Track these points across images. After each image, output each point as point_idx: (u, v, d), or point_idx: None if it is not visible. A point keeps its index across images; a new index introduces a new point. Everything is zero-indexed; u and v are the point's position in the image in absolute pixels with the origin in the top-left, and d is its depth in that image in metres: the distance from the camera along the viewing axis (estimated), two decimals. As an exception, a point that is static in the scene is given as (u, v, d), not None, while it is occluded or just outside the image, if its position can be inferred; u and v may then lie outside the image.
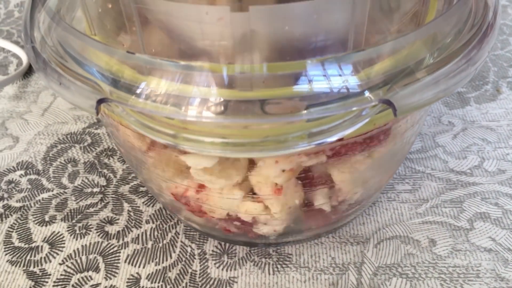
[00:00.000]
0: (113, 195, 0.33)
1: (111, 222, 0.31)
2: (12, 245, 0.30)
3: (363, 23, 0.20)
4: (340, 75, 0.20)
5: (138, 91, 0.20)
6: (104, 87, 0.21)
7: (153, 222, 0.31)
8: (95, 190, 0.33)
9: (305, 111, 0.18)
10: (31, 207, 0.32)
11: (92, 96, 0.20)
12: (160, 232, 0.30)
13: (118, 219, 0.31)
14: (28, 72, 0.44)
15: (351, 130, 0.19)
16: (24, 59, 0.45)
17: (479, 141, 0.34)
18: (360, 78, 0.20)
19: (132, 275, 0.28)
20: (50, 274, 0.29)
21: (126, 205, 0.32)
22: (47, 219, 0.32)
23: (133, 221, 0.31)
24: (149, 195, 0.33)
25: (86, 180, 0.34)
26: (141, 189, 0.33)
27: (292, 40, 0.20)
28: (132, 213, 0.32)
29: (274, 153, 0.20)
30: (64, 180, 0.34)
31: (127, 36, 0.22)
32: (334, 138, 0.19)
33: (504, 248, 0.28)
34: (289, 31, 0.20)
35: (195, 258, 0.29)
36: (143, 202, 0.32)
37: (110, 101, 0.20)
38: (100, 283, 0.28)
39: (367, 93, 0.19)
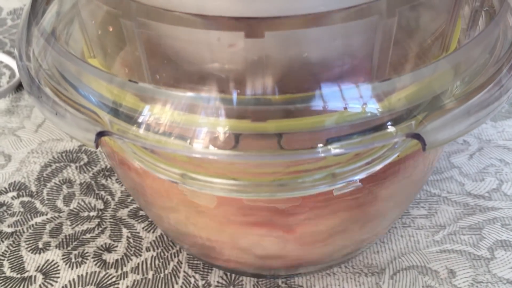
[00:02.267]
0: (111, 220, 0.31)
1: (109, 249, 0.29)
2: (3, 275, 0.28)
3: (388, 47, 0.19)
4: (362, 104, 0.18)
5: (139, 119, 0.18)
6: (103, 116, 0.19)
7: (153, 250, 0.29)
8: (91, 214, 0.31)
9: (335, 145, 0.17)
10: (23, 232, 0.30)
11: (91, 128, 0.18)
12: (161, 260, 0.29)
13: (117, 246, 0.29)
14: (21, 84, 0.41)
15: (380, 166, 0.18)
16: (17, 70, 0.43)
17: (496, 162, 0.33)
18: (384, 107, 0.18)
19: (132, 309, 0.26)
20: (44, 308, 0.27)
21: (125, 231, 0.30)
22: (40, 246, 0.30)
23: (133, 249, 0.29)
24: (149, 220, 0.31)
25: (82, 203, 0.32)
26: (141, 213, 0.31)
27: (310, 66, 0.19)
28: (131, 240, 0.30)
29: (291, 195, 0.19)
30: (59, 203, 0.32)
31: (129, 59, 0.20)
32: (361, 176, 0.18)
33: (527, 280, 0.27)
34: (307, 57, 0.18)
35: (199, 290, 0.27)
36: (143, 228, 0.30)
37: (110, 134, 0.18)
38: (97, 319, 0.26)
39: (395, 126, 0.18)
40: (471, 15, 0.23)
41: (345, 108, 0.18)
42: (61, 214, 0.31)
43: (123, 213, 0.31)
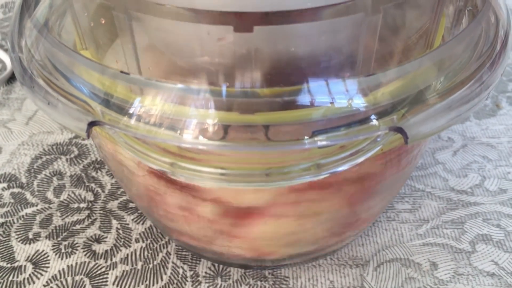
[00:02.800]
0: (101, 211, 0.31)
1: (98, 240, 0.30)
2: (-7, 265, 0.28)
3: (373, 43, 0.19)
4: (348, 99, 0.19)
5: (130, 110, 0.19)
6: (94, 106, 0.19)
7: (143, 241, 0.30)
8: (81, 205, 0.32)
9: (321, 137, 0.17)
10: (14, 223, 0.31)
11: (83, 117, 0.19)
12: (150, 252, 0.29)
13: (106, 237, 0.30)
14: (12, 77, 0.42)
15: (363, 159, 0.18)
16: (8, 63, 0.43)
17: (479, 159, 0.34)
18: (369, 101, 0.19)
19: (120, 298, 0.27)
20: (33, 297, 0.27)
21: (114, 222, 0.31)
22: (31, 236, 0.30)
23: (122, 240, 0.30)
24: (139, 212, 0.31)
25: (73, 195, 0.32)
26: (131, 205, 0.32)
27: (298, 60, 0.19)
28: (121, 231, 0.30)
29: (277, 184, 0.19)
30: (49, 195, 0.32)
31: (120, 51, 0.21)
32: (345, 167, 0.18)
33: (507, 273, 0.27)
34: (295, 51, 0.19)
35: (187, 281, 0.28)
36: (132, 219, 0.31)
37: (102, 123, 0.18)
38: (86, 307, 0.27)
39: (379, 120, 0.18)
40: (455, 14, 0.23)
41: (331, 102, 0.18)
42: (51, 206, 0.32)
43: (113, 205, 0.32)
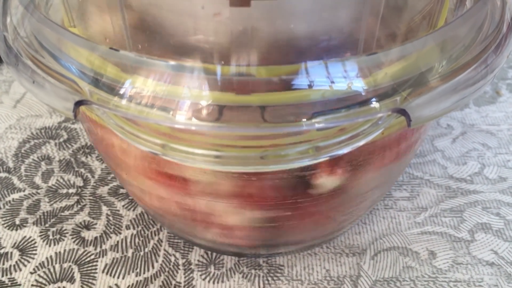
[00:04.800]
0: (91, 197, 0.30)
1: (87, 227, 0.29)
2: (-22, 251, 0.28)
3: (375, 22, 0.18)
4: (348, 80, 0.18)
5: (121, 91, 0.18)
6: (83, 86, 0.18)
7: (134, 228, 0.29)
8: (70, 191, 0.31)
9: (319, 119, 0.16)
10: (0, 208, 0.30)
11: (70, 97, 0.18)
12: (141, 239, 0.28)
13: (96, 223, 0.29)
14: None
15: (363, 142, 0.17)
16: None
17: (479, 146, 0.33)
18: (369, 83, 0.18)
19: (110, 286, 0.26)
20: (20, 284, 0.26)
21: (104, 208, 0.30)
22: (17, 222, 0.29)
23: (112, 226, 0.29)
24: (130, 198, 0.30)
25: (61, 180, 0.31)
26: (121, 191, 0.31)
27: (297, 39, 0.18)
28: (111, 217, 0.29)
29: (274, 168, 0.18)
30: (37, 180, 0.31)
31: (110, 28, 0.20)
32: (345, 151, 0.17)
33: (506, 262, 0.27)
34: (294, 29, 0.18)
35: (179, 269, 0.27)
36: (123, 206, 0.30)
37: (89, 103, 0.18)
38: (75, 296, 0.26)
39: (380, 102, 0.17)
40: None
41: (331, 83, 0.18)
42: (39, 191, 0.31)
43: (103, 190, 0.31)
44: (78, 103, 0.18)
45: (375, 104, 0.18)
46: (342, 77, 0.18)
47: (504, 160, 0.32)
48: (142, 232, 0.29)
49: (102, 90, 0.18)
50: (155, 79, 0.18)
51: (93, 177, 0.32)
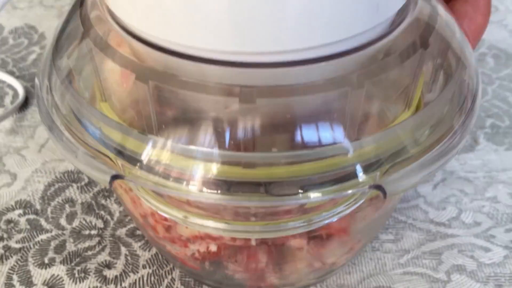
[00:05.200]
0: (111, 238, 0.34)
1: (109, 266, 0.32)
2: (12, 288, 0.31)
3: (358, 108, 0.22)
4: (339, 156, 0.22)
5: (140, 161, 0.22)
6: (115, 159, 0.22)
7: (149, 267, 0.32)
8: (92, 232, 0.35)
9: (314, 193, 0.20)
10: (30, 248, 0.34)
11: (107, 171, 0.22)
12: (156, 277, 0.32)
13: (116, 263, 0.33)
14: (24, 104, 0.44)
15: (350, 210, 0.21)
16: (20, 90, 0.45)
17: (457, 192, 0.37)
18: (356, 159, 0.22)
19: (130, 321, 0.30)
20: (50, 318, 0.30)
21: (123, 249, 0.33)
22: (46, 261, 0.33)
23: (130, 266, 0.33)
24: (145, 239, 0.34)
25: (84, 222, 0.35)
26: (138, 232, 0.34)
27: (293, 123, 0.22)
28: (129, 257, 0.33)
29: (273, 235, 0.22)
30: (62, 221, 0.35)
31: (138, 107, 0.24)
32: (333, 220, 0.21)
33: (478, 301, 0.30)
34: (291, 117, 0.22)
35: (190, 305, 0.30)
36: (139, 246, 0.34)
37: (123, 177, 0.21)
38: (99, 329, 0.29)
39: (365, 175, 0.21)
40: (432, 72, 0.27)
41: (323, 158, 0.21)
42: (64, 232, 0.35)
43: (122, 232, 0.35)
44: (114, 177, 0.21)
45: (361, 178, 0.22)
46: (334, 153, 0.22)
47: (479, 206, 0.36)
48: (157, 271, 0.32)
49: (128, 161, 0.22)
50: (169, 151, 0.22)
51: (112, 219, 0.35)
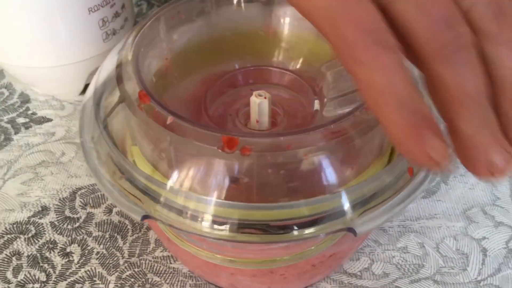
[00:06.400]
0: (52, 292, 0.37)
1: (48, 320, 0.36)
2: None
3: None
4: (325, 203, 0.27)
5: (161, 203, 0.27)
6: (144, 201, 0.27)
7: (85, 321, 0.36)
8: (35, 286, 0.38)
9: (308, 230, 0.26)
10: (-23, 302, 0.37)
11: (139, 211, 0.27)
12: (90, 331, 0.35)
13: (55, 317, 0.36)
14: (-21, 152, 0.47)
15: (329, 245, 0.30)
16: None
17: (371, 243, 0.40)
18: (335, 204, 0.27)
19: None
20: None
21: (62, 303, 0.37)
22: (-9, 315, 0.36)
23: (68, 319, 0.36)
24: (83, 293, 0.37)
25: (28, 275, 0.38)
26: (77, 286, 0.38)
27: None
28: (67, 311, 0.36)
29: (269, 266, 0.30)
30: (9, 274, 0.38)
31: (165, 157, 0.28)
32: (314, 255, 0.30)
33: None
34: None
35: None
36: (77, 300, 0.37)
37: (152, 218, 0.27)
38: None
39: (342, 218, 0.27)
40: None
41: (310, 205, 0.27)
42: (9, 286, 0.38)
43: (62, 285, 0.38)
44: (144, 217, 0.27)
45: (340, 220, 0.27)
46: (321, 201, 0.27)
47: (389, 256, 0.39)
48: (91, 325, 0.36)
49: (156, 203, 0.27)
50: (187, 198, 0.27)
51: (54, 272, 0.39)
